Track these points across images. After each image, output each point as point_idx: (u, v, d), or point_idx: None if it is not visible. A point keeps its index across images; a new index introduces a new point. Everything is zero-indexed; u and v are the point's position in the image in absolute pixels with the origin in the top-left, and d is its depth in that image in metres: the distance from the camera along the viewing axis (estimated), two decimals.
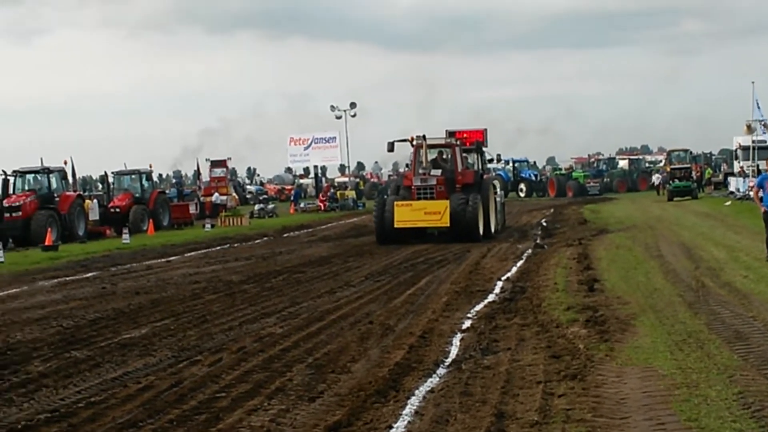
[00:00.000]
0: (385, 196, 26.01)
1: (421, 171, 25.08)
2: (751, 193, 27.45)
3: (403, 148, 27.28)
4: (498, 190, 32.94)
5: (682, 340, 10.36)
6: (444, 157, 26.48)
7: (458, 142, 26.65)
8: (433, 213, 23.02)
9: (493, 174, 66.10)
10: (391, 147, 27.66)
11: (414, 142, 25.64)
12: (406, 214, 23.23)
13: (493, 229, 25.88)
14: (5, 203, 29.81)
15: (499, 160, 34.97)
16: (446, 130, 27.46)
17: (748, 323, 11.43)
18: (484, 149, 29.53)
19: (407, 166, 28.77)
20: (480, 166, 28.71)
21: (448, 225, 23.20)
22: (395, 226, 23.50)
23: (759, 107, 40.26)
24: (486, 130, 30.40)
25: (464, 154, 27.27)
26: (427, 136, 25.73)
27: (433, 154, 26.12)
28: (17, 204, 29.63)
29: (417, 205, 23.71)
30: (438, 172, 25.16)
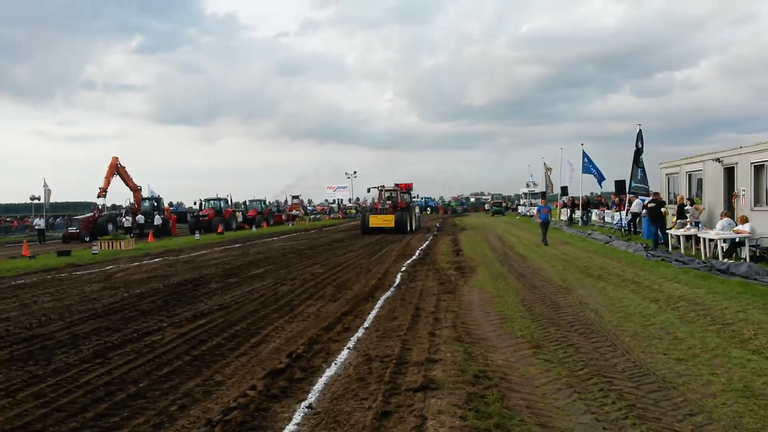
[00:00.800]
0: (365, 212, 32.72)
1: (381, 201, 31.80)
2: (532, 214, 45.10)
3: (373, 191, 34.51)
4: (417, 210, 39.81)
5: (497, 277, 12.22)
6: (392, 194, 32.46)
7: (398, 189, 33.07)
8: (387, 220, 29.36)
9: (416, 203, 79.72)
10: (368, 190, 35.85)
11: (378, 188, 32.61)
12: (375, 221, 29.49)
13: (414, 228, 31.59)
14: (200, 213, 39.52)
15: (417, 196, 42.69)
16: (394, 183, 34.19)
17: (525, 269, 13.27)
18: (411, 191, 35.90)
19: (373, 199, 37.11)
20: (409, 199, 34.73)
21: (393, 226, 29.12)
22: (370, 226, 29.33)
23: (531, 176, 56.14)
24: (412, 183, 35.90)
25: (402, 194, 33.63)
26: (385, 186, 32.51)
27: (387, 194, 32.33)
28: (206, 214, 39.07)
29: (380, 216, 29.74)
30: (389, 201, 31.47)
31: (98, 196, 35.61)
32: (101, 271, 16.06)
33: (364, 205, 45.24)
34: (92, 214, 36.78)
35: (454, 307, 9.03)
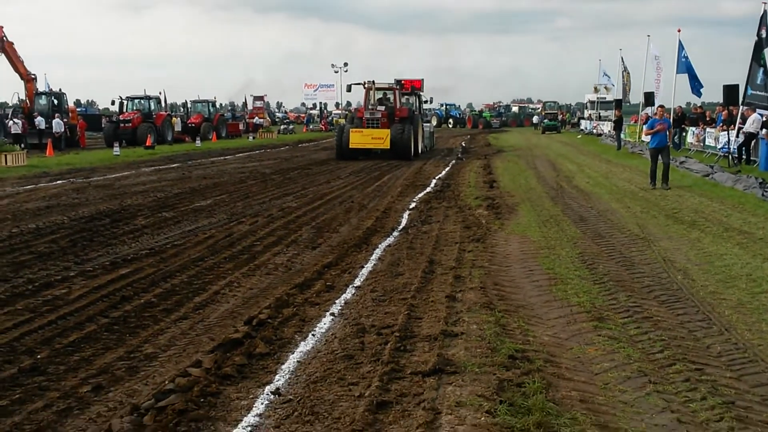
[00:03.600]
0: (343, 126, 30.25)
1: (370, 107, 29.01)
2: (601, 131, 45.96)
3: (356, 90, 33.39)
4: (430, 122, 39.99)
5: (546, 220, 12.46)
6: (387, 97, 29.98)
7: (398, 87, 30.49)
8: (378, 138, 27.33)
9: (433, 112, 78.43)
10: (348, 88, 33.12)
11: (365, 85, 29.80)
12: (358, 138, 27.45)
13: (420, 151, 30.02)
14: (121, 118, 39.10)
15: (431, 102, 40.19)
16: (395, 79, 32.00)
17: (587, 211, 13.51)
18: (420, 93, 34.24)
19: (358, 104, 35.14)
20: (417, 106, 33.60)
21: (389, 147, 27.17)
22: (350, 146, 27.35)
23: (605, 75, 52.83)
24: (423, 79, 33.74)
25: (404, 96, 32.20)
26: (375, 81, 29.81)
27: (379, 95, 29.91)
28: (129, 119, 38.68)
29: (366, 132, 27.69)
30: (382, 108, 28.75)
31: None
32: None
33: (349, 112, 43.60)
34: None
35: (484, 262, 9.21)
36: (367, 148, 27.84)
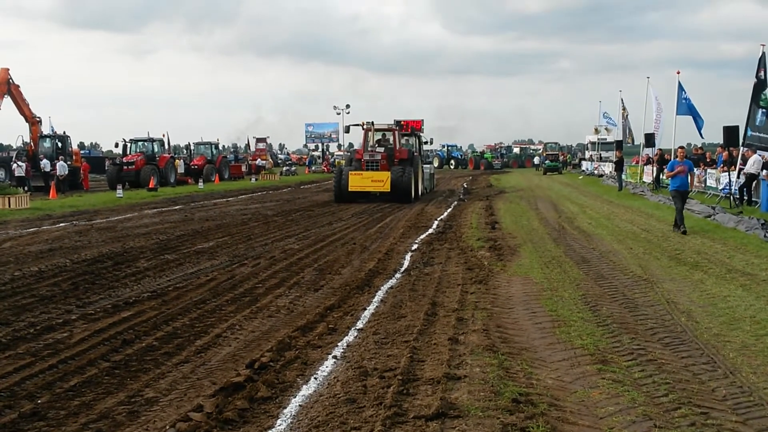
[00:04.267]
0: (341, 168, 29.11)
1: (369, 148, 28.26)
2: (602, 172, 45.78)
3: (355, 131, 31.81)
4: (431, 164, 38.89)
5: (548, 261, 12.39)
6: (387, 138, 29.34)
7: (397, 128, 30.08)
8: (378, 181, 26.55)
9: (434, 153, 79.63)
10: (347, 129, 32.90)
11: (364, 126, 29.24)
12: (358, 181, 26.65)
13: (420, 193, 29.35)
14: (125, 160, 39.36)
15: (431, 143, 39.84)
16: (394, 119, 31.67)
17: (589, 252, 13.48)
18: (420, 134, 33.91)
19: (351, 147, 34.84)
20: (417, 147, 32.90)
21: (388, 190, 26.39)
22: (349, 189, 26.56)
23: (605, 116, 52.53)
24: (423, 120, 33.76)
25: (404, 138, 31.72)
26: (374, 123, 29.10)
27: (378, 136, 29.24)
28: (132, 161, 39.00)
29: (366, 174, 26.94)
30: (382, 149, 28.18)
31: None
32: None
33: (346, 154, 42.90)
34: None
35: (487, 303, 9.20)
36: (365, 190, 27.24)
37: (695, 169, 19.64)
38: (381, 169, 27.52)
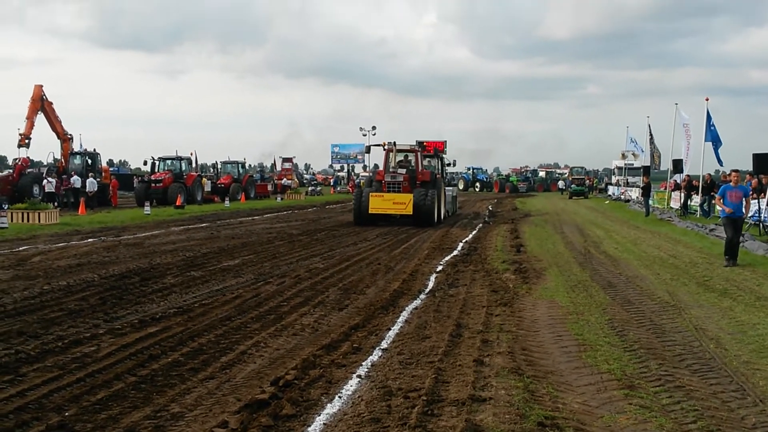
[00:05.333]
0: (361, 189, 28.14)
1: (390, 169, 27.32)
2: (629, 198, 45.19)
3: (376, 152, 33.44)
4: (454, 187, 37.94)
5: (574, 285, 12.34)
6: (409, 159, 28.26)
7: (419, 149, 29.36)
8: (401, 203, 25.55)
9: (460, 176, 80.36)
10: (368, 149, 32.79)
11: (385, 147, 28.26)
12: (379, 203, 25.76)
13: (442, 217, 28.32)
14: (153, 177, 39.76)
15: (454, 165, 38.21)
16: (416, 140, 31.21)
17: (616, 277, 13.38)
18: (443, 156, 33.01)
19: (375, 167, 33.91)
20: (440, 169, 31.71)
21: (411, 213, 25.45)
22: (370, 212, 25.70)
23: (632, 141, 52.75)
24: (446, 141, 35.68)
25: (426, 159, 30.88)
26: (396, 143, 28.02)
27: (400, 157, 28.17)
28: (160, 179, 39.37)
29: (387, 197, 25.97)
30: (403, 171, 27.19)
31: (19, 145, 35.95)
32: (12, 252, 16.45)
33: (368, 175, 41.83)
34: (12, 170, 36.47)
35: (512, 326, 9.17)
36: (386, 213, 26.26)
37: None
38: (403, 191, 26.68)
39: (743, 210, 15.20)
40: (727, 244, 15.07)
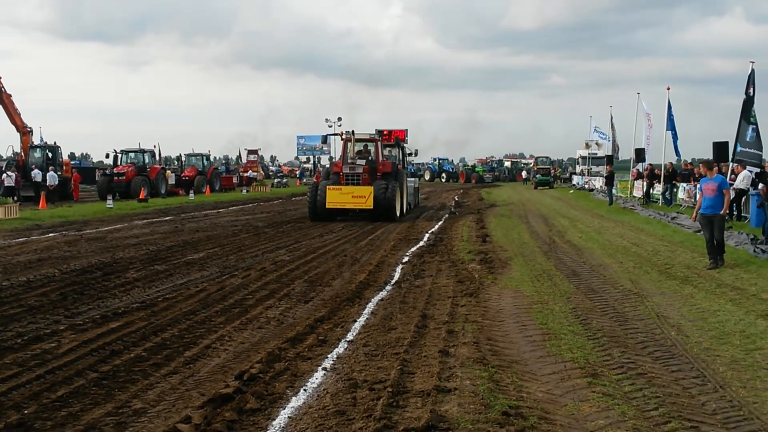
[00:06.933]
0: (316, 183, 26.16)
1: (349, 161, 25.44)
2: (593, 187, 46.21)
3: (332, 141, 33.23)
4: (416, 178, 36.53)
5: (539, 275, 12.44)
6: (368, 149, 26.45)
7: (379, 138, 27.54)
8: (360, 197, 23.86)
9: (426, 167, 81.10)
10: (324, 139, 31.91)
11: (343, 136, 26.74)
12: (336, 197, 23.90)
13: (404, 210, 26.82)
14: (115, 171, 39.30)
15: (416, 155, 36.33)
16: (375, 129, 29.18)
17: (580, 266, 13.51)
18: (404, 145, 31.43)
19: (331, 159, 32.24)
20: (401, 159, 30.33)
21: (371, 207, 23.85)
22: (327, 206, 23.87)
23: (596, 131, 52.78)
24: (407, 129, 31.84)
25: (387, 149, 29.21)
26: (354, 132, 26.38)
27: (359, 147, 26.41)
28: (123, 172, 38.89)
29: (346, 190, 24.17)
30: (363, 162, 25.27)
31: None
32: None
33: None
34: None
35: (477, 316, 9.18)
36: (344, 207, 24.57)
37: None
38: (362, 183, 24.86)
39: (722, 204, 13.31)
40: (707, 245, 13.57)
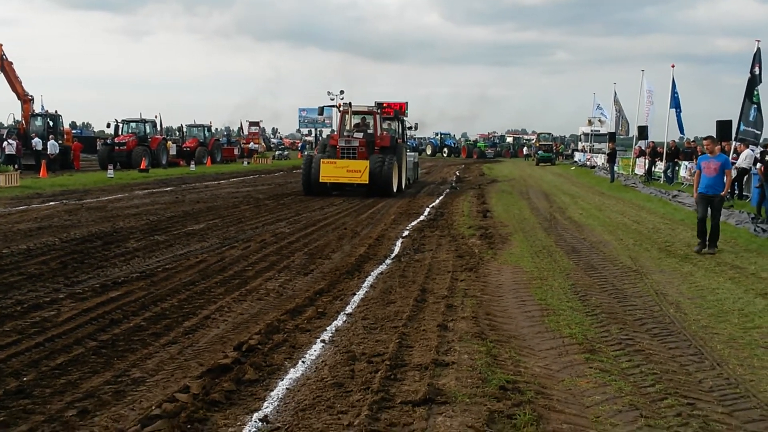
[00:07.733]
0: (312, 154, 25.22)
1: (345, 133, 24.73)
2: (595, 164, 46.83)
3: (329, 113, 32.02)
4: (415, 153, 35.20)
5: (539, 251, 12.46)
6: (367, 122, 25.68)
7: (378, 110, 26.34)
8: (355, 171, 23.19)
9: (428, 141, 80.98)
10: (321, 111, 30.27)
11: (340, 108, 25.70)
12: (331, 171, 23.23)
13: (403, 186, 25.87)
14: (116, 140, 39.04)
15: (416, 128, 34.77)
16: (375, 101, 27.60)
17: (580, 242, 13.54)
18: (404, 118, 30.23)
19: (331, 132, 32.08)
20: (400, 133, 29.27)
21: (367, 182, 23.20)
22: (320, 180, 23.18)
23: (599, 108, 52.93)
24: (407, 102, 31.15)
25: (386, 122, 28.16)
26: (352, 104, 25.37)
27: (357, 120, 25.64)
28: (124, 142, 38.67)
29: (341, 164, 23.48)
30: (360, 135, 24.61)
31: None
32: None
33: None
34: None
35: (476, 291, 9.19)
36: (339, 182, 23.89)
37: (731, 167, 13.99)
38: (359, 157, 24.12)
39: (723, 185, 12.69)
40: (698, 224, 12.82)
